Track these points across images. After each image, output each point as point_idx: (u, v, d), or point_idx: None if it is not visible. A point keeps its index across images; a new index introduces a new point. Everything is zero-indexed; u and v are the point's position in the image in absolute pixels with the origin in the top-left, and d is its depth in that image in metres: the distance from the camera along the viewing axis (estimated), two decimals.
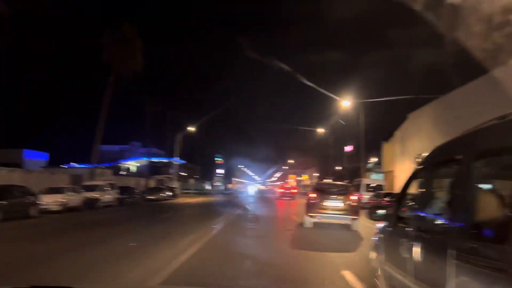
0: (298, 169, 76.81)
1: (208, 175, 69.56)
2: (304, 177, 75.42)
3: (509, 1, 1.40)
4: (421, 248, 2.15)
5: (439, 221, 2.18)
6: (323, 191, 9.80)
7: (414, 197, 2.73)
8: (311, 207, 9.60)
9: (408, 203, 2.87)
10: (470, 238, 1.64)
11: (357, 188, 16.71)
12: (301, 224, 9.95)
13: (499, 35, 1.41)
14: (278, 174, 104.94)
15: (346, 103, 21.17)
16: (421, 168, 2.67)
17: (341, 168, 42.23)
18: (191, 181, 54.86)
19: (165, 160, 36.82)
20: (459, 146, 2.04)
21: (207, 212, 16.04)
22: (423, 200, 2.47)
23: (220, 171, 65.98)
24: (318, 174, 52.32)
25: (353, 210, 9.38)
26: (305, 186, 59.42)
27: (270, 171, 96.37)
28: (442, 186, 2.37)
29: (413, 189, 2.74)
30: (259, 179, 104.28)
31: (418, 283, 2.17)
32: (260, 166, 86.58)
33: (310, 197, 9.88)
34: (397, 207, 3.00)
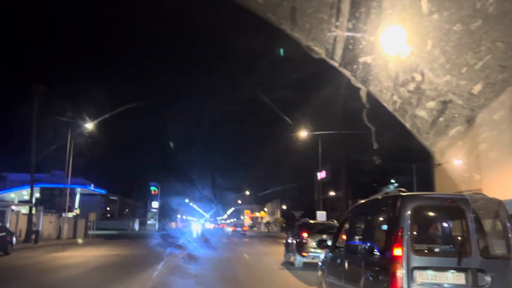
0: (254, 204, 79.93)
1: (142, 210, 67.82)
2: (262, 213, 78.17)
3: (412, 62, 2.68)
4: (348, 262, 4.96)
5: (357, 246, 4.90)
6: (312, 230, 12.26)
7: (345, 233, 5.74)
8: (302, 246, 11.92)
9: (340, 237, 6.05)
10: (369, 254, 4.37)
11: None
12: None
13: (405, 90, 2.67)
14: (230, 210, 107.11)
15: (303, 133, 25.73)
16: (347, 217, 5.80)
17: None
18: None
19: (62, 188, 31.74)
20: (366, 206, 5.15)
21: None
22: (349, 235, 5.41)
23: (155, 204, 64.73)
24: (285, 207, 54.34)
25: None
26: (267, 223, 61.75)
27: (220, 207, 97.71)
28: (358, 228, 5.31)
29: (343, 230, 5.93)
30: (208, 216, 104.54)
31: (347, 283, 4.91)
32: (210, 201, 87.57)
33: (302, 236, 12.29)
34: (334, 239, 6.04)
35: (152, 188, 65.28)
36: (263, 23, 2.55)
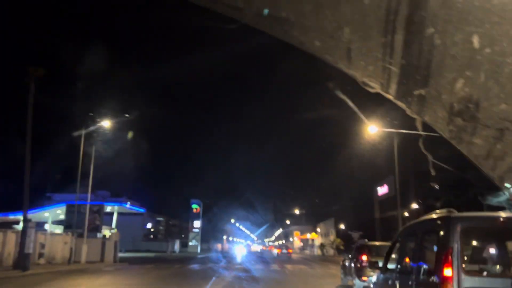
0: (304, 225, 79.58)
1: (183, 231, 70.88)
2: (313, 234, 77.50)
3: (466, 93, 3.02)
4: (399, 283, 5.47)
5: (408, 267, 5.37)
6: (371, 253, 12.58)
7: (396, 254, 6.29)
8: (361, 270, 12.22)
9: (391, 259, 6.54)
10: (420, 274, 4.74)
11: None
12: None
13: (460, 119, 3.01)
14: (278, 232, 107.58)
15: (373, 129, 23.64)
16: (398, 238, 6.40)
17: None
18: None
19: (95, 205, 31.56)
20: (416, 227, 5.56)
21: None
22: (400, 256, 5.91)
23: (197, 224, 66.46)
24: (342, 228, 53.50)
25: None
26: (322, 245, 61.26)
27: (269, 228, 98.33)
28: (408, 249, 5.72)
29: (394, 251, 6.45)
30: (256, 238, 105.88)
31: None
32: (258, 222, 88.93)
33: (360, 258, 12.63)
34: (385, 261, 6.52)
35: (194, 206, 66.88)
36: (320, 61, 3.09)
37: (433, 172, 4.58)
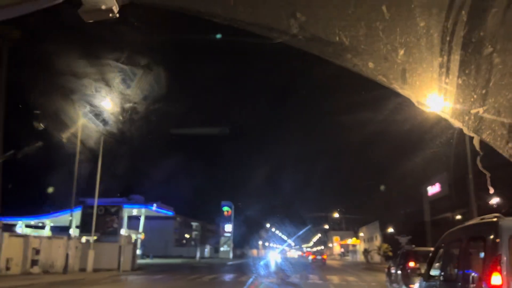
0: (345, 230, 78.85)
1: (214, 235, 72.23)
2: (355, 240, 76.72)
3: None
4: None
5: (453, 274, 5.48)
6: (419, 259, 12.76)
7: (440, 261, 6.41)
8: (408, 277, 12.53)
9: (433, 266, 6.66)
10: (466, 282, 4.97)
11: None
12: None
13: None
14: (316, 237, 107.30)
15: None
16: (441, 244, 6.42)
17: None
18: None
19: (113, 206, 30.63)
20: (461, 233, 5.68)
21: None
22: (444, 262, 6.02)
23: (228, 228, 66.70)
24: (389, 231, 52.74)
25: None
26: (366, 251, 60.74)
27: (307, 233, 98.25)
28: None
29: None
30: (293, 243, 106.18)
31: None
32: (295, 226, 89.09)
33: (407, 265, 13.02)
34: (428, 267, 6.69)
35: (225, 209, 67.40)
36: (372, 82, 3.33)
37: (491, 191, 4.60)
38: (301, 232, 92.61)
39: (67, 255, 23.12)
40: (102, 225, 29.11)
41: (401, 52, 2.89)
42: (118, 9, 2.13)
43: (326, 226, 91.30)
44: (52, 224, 52.76)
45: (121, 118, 25.25)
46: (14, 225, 47.12)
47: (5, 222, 50.90)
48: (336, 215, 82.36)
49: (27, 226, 52.39)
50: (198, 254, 54.17)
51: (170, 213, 59.26)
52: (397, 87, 3.10)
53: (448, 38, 2.78)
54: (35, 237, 23.59)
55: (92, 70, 21.33)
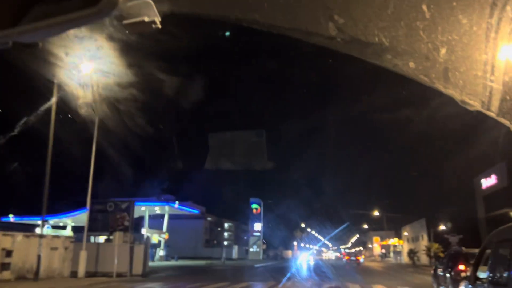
0: (386, 230, 78.25)
1: (243, 235, 73.04)
2: (397, 240, 75.91)
3: None
4: None
5: (502, 277, 5.53)
6: (468, 261, 12.82)
7: (486, 262, 6.39)
8: (457, 281, 12.58)
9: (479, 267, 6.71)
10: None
11: None
12: None
13: None
14: (355, 238, 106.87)
15: None
16: (488, 244, 6.51)
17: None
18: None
19: (123, 202, 29.26)
20: (508, 232, 5.82)
21: None
22: (492, 264, 6.04)
23: (257, 227, 66.58)
24: (444, 228, 51.98)
25: None
26: (411, 252, 60.02)
27: (344, 233, 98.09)
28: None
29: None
30: (330, 244, 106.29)
31: None
32: (332, 226, 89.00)
33: (457, 268, 13.30)
34: (474, 270, 6.81)
35: (254, 206, 67.72)
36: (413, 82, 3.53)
37: None
38: (337, 231, 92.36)
39: (38, 257, 20.40)
40: (112, 223, 27.86)
41: (443, 50, 3.07)
42: (160, 19, 2.42)
43: (365, 226, 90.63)
44: (73, 224, 54.54)
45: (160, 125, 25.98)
46: (34, 226, 48.81)
47: (22, 222, 53.26)
48: (376, 213, 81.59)
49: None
50: (224, 256, 54.84)
51: (195, 211, 59.96)
52: (440, 86, 3.29)
53: (492, 35, 2.95)
54: (4, 234, 20.15)
55: (136, 79, 22.34)
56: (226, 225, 74.63)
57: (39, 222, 38.08)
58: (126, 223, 28.20)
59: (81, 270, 23.02)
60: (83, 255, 23.36)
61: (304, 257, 61.67)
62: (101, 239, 33.82)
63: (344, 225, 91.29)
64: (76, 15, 1.39)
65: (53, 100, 22.06)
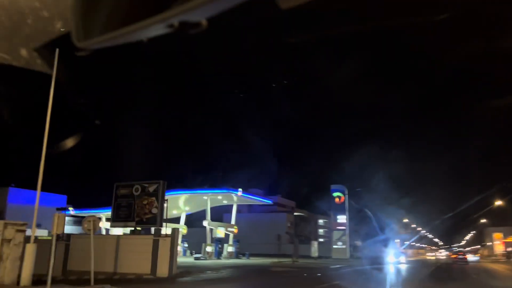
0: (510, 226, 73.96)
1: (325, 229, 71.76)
2: None
3: None
4: None
5: None
6: None
7: None
8: None
9: None
10: None
11: None
12: None
13: None
14: (470, 235, 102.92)
15: None
16: None
17: None
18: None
19: (149, 183, 26.54)
20: None
21: None
22: None
23: (342, 219, 62.43)
24: None
25: None
26: None
27: (456, 228, 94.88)
28: None
29: None
30: (441, 241, 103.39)
31: None
32: (442, 222, 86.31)
33: None
34: None
35: (335, 194, 64.40)
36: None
37: None
38: (446, 226, 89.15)
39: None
40: (139, 210, 25.53)
41: None
42: None
43: (483, 220, 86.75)
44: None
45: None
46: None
47: (81, 214, 56.83)
48: (498, 202, 77.38)
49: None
50: (295, 253, 51.54)
51: (268, 201, 59.64)
52: None
53: None
54: None
55: None
56: (312, 219, 74.59)
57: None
58: (154, 211, 25.97)
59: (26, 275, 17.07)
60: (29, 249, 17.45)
61: (403, 259, 58.54)
62: (126, 231, 30.93)
63: (451, 222, 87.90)
64: None
65: None
